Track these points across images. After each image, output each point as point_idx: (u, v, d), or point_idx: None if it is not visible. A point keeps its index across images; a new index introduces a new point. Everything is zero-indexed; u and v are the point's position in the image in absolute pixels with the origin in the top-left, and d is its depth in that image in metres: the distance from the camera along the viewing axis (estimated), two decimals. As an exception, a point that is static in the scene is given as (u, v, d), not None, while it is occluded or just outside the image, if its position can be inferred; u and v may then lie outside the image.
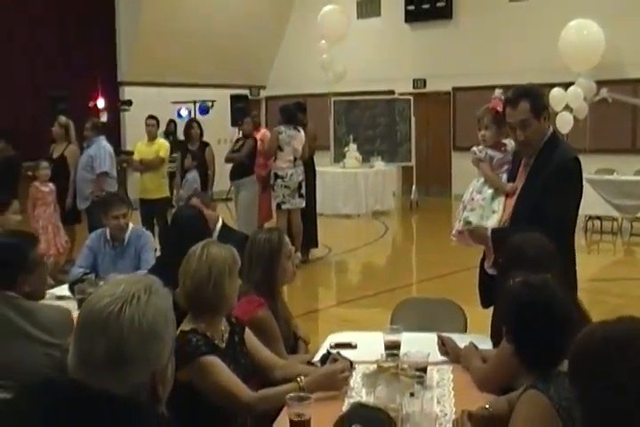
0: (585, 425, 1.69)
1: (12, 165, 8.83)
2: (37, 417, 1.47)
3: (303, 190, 9.02)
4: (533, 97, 3.56)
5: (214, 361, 2.62)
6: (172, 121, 13.99)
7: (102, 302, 1.50)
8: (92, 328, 1.48)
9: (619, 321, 1.70)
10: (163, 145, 9.15)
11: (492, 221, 3.66)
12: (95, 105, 13.60)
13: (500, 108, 3.73)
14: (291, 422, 2.44)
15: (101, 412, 1.45)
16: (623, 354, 1.63)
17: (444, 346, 3.21)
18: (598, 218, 11.27)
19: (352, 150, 13.89)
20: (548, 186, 3.48)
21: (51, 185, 8.06)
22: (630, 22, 12.54)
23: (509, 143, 3.85)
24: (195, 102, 14.68)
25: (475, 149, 3.87)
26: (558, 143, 3.69)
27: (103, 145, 8.21)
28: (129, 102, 14.26)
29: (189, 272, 2.73)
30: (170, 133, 13.42)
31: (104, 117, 13.10)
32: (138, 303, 1.50)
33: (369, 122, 14.69)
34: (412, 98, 14.69)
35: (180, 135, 10.98)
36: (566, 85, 12.21)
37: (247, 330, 2.97)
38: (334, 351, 3.16)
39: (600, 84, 12.79)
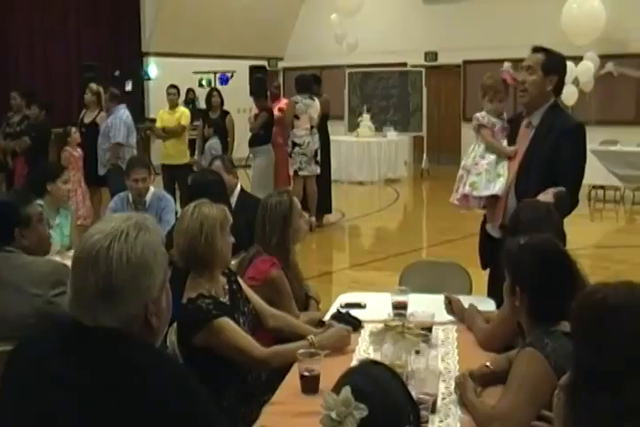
0: (570, 381, 1.66)
1: (46, 130, 8.88)
2: (40, 355, 1.50)
3: (319, 158, 9.02)
4: (552, 59, 3.59)
5: (226, 323, 2.62)
6: (190, 90, 13.91)
7: (93, 238, 1.51)
8: (83, 264, 1.50)
9: (622, 286, 1.66)
10: (184, 113, 9.14)
11: (499, 185, 3.63)
12: (120, 74, 13.53)
13: (509, 81, 3.72)
14: (301, 376, 2.44)
15: (97, 346, 1.47)
16: (614, 317, 1.60)
17: (451, 305, 3.20)
18: (602, 187, 11.16)
19: (366, 120, 13.82)
20: (559, 144, 3.47)
21: (79, 150, 8.07)
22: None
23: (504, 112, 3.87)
24: (215, 73, 14.58)
25: (478, 115, 3.80)
26: (562, 110, 3.73)
27: (120, 115, 8.15)
28: (153, 72, 14.18)
29: (182, 230, 2.72)
30: (189, 102, 13.36)
31: (128, 86, 13.02)
32: (127, 239, 1.50)
33: (382, 93, 14.59)
34: (423, 70, 14.55)
35: (199, 104, 10.95)
36: (573, 59, 12.00)
37: (239, 278, 2.98)
38: (344, 311, 3.15)
39: (605, 58, 12.59)
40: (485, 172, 3.67)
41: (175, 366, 1.58)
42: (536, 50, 3.62)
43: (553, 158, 3.45)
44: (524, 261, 2.35)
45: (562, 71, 3.67)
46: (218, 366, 2.58)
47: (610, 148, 11.17)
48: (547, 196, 3.23)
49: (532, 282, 2.31)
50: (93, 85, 8.71)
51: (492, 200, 3.68)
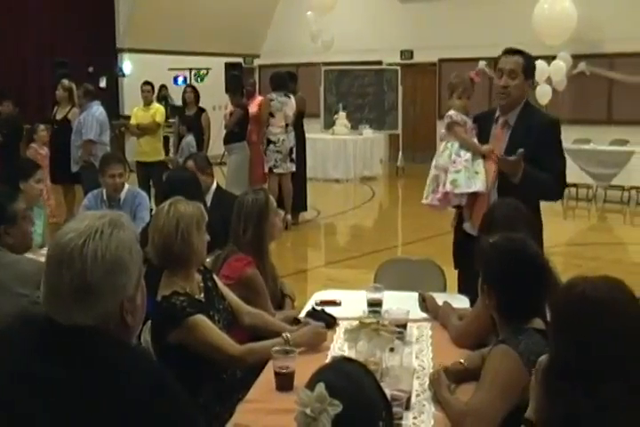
0: (546, 374, 1.69)
1: (18, 127, 8.78)
2: (14, 353, 1.48)
3: (294, 155, 9.02)
4: (529, 61, 3.65)
5: (201, 321, 2.61)
6: (163, 86, 13.83)
7: (67, 237, 1.50)
8: (57, 262, 1.49)
9: (602, 281, 1.69)
10: (159, 110, 9.10)
11: (479, 182, 3.64)
12: (94, 70, 13.41)
13: (476, 79, 3.77)
14: (276, 373, 2.44)
15: (71, 344, 1.46)
16: (592, 311, 1.63)
17: (425, 303, 3.21)
18: (574, 185, 11.26)
19: (341, 118, 13.86)
20: (542, 141, 3.51)
21: (45, 148, 7.98)
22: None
23: None
24: (190, 70, 14.51)
25: (451, 113, 3.81)
26: (535, 108, 3.82)
27: (93, 111, 8.06)
28: (127, 69, 14.07)
29: (158, 227, 2.70)
30: (162, 98, 13.27)
31: (102, 83, 12.91)
32: (101, 237, 1.49)
33: (358, 91, 14.62)
34: (399, 68, 14.60)
35: (173, 100, 10.89)
36: (545, 58, 12.14)
37: (214, 275, 2.97)
38: (319, 308, 3.16)
39: (578, 57, 12.73)
40: (465, 169, 3.67)
41: (151, 365, 1.57)
42: (512, 52, 3.65)
43: (537, 155, 3.48)
44: (493, 261, 2.38)
45: (534, 73, 3.74)
46: (192, 364, 2.57)
47: (582, 146, 11.30)
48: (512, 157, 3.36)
49: (501, 282, 2.33)
50: (65, 82, 8.63)
51: (471, 199, 3.70)
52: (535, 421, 1.74)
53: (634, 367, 1.59)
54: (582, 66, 12.81)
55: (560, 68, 12.21)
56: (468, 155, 3.70)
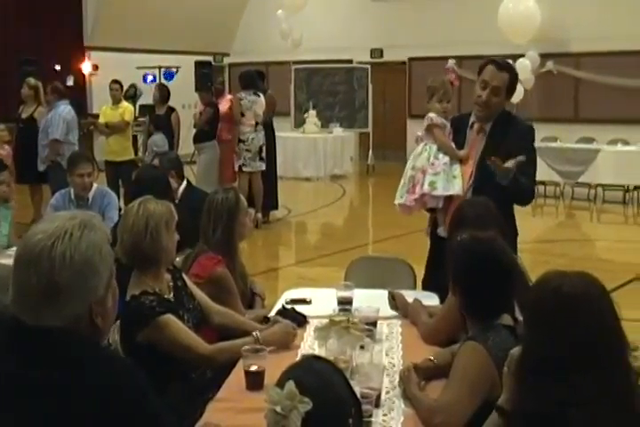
0: (519, 364, 1.71)
1: None
2: None
3: (264, 154, 9.00)
4: (515, 75, 3.66)
5: (170, 320, 2.60)
6: (132, 85, 13.72)
7: (36, 238, 1.49)
8: (25, 263, 1.48)
9: (577, 276, 1.71)
10: (127, 109, 9.03)
11: (456, 186, 3.66)
12: (61, 69, 13.26)
13: (455, 83, 3.77)
14: (246, 372, 2.44)
15: (40, 345, 1.45)
16: (567, 305, 1.65)
17: (395, 301, 3.23)
18: (542, 183, 11.38)
19: (312, 116, 13.86)
20: (516, 148, 3.51)
21: (7, 148, 7.87)
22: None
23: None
24: (160, 68, 14.42)
25: (432, 115, 3.81)
26: (512, 114, 3.82)
27: (60, 111, 7.96)
28: (95, 67, 13.92)
29: (127, 226, 2.68)
30: (130, 97, 13.15)
31: (70, 81, 12.76)
32: (70, 239, 1.48)
33: (328, 89, 14.64)
34: (369, 67, 14.64)
35: (142, 99, 10.81)
36: (513, 57, 12.25)
37: (183, 274, 2.96)
38: (289, 307, 3.16)
39: (545, 56, 12.87)
40: (443, 172, 3.68)
41: (121, 364, 1.56)
42: (501, 67, 3.61)
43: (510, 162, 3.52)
44: (459, 261, 2.40)
45: (516, 85, 3.76)
46: (162, 364, 2.55)
47: (550, 144, 11.43)
48: (510, 163, 3.35)
49: (467, 281, 2.36)
50: (31, 79, 8.51)
51: (447, 203, 3.70)
52: (508, 410, 1.76)
53: (605, 359, 1.62)
54: (550, 65, 12.97)
55: (526, 66, 12.34)
56: (447, 158, 3.71)
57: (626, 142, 11.31)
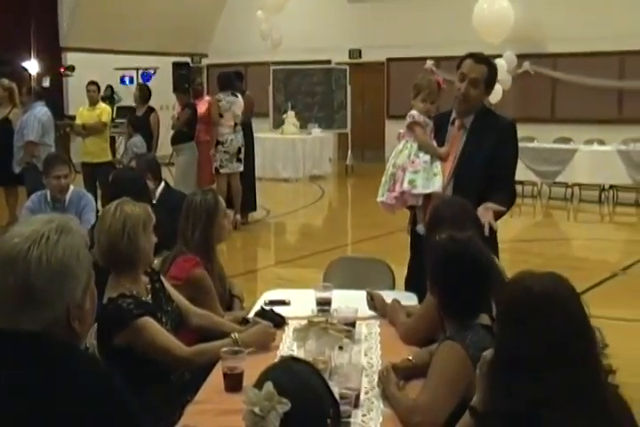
0: (491, 366, 1.72)
1: None
2: None
3: (241, 155, 8.97)
4: (493, 68, 3.67)
5: (148, 322, 2.59)
6: (109, 86, 13.64)
7: (12, 242, 1.48)
8: (2, 265, 1.47)
9: (547, 276, 1.73)
10: (105, 110, 8.96)
11: (437, 183, 3.66)
12: (37, 70, 13.14)
13: (442, 85, 3.78)
14: (224, 374, 2.43)
15: (15, 348, 1.45)
16: (538, 305, 1.67)
17: (373, 301, 3.24)
18: (520, 183, 11.45)
19: (290, 117, 13.84)
20: (499, 144, 3.55)
21: None
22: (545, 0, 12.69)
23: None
24: (137, 69, 14.34)
25: (414, 113, 3.81)
26: (491, 110, 3.82)
27: (36, 112, 7.86)
28: (72, 68, 13.81)
29: (104, 228, 2.67)
30: (107, 98, 13.07)
31: (46, 82, 12.66)
32: (47, 243, 1.48)
33: (307, 90, 14.64)
34: (347, 67, 14.67)
35: (120, 100, 10.74)
36: (491, 58, 12.34)
37: (161, 277, 2.95)
38: (268, 308, 3.16)
39: (523, 57, 12.98)
40: (423, 170, 3.68)
41: (98, 366, 1.56)
42: (479, 59, 3.63)
43: (493, 157, 3.53)
44: (436, 261, 2.41)
45: (496, 80, 3.77)
46: (140, 367, 2.54)
47: (527, 144, 11.50)
48: (487, 213, 3.23)
49: (444, 281, 2.37)
50: (5, 81, 8.42)
51: (426, 200, 3.70)
52: (481, 410, 1.78)
53: (576, 358, 1.64)
54: (526, 65, 13.07)
55: (503, 66, 12.43)
56: (427, 156, 3.72)
57: (602, 142, 11.43)
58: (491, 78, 3.63)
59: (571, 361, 1.63)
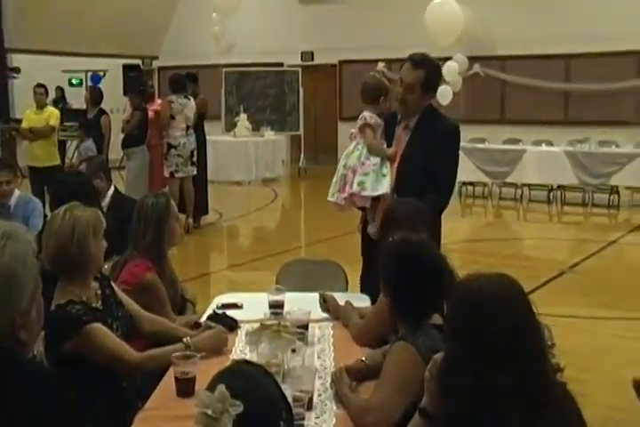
0: (441, 368, 1.74)
1: None
2: None
3: (195, 158, 8.93)
4: (432, 71, 3.66)
5: (98, 328, 2.56)
6: (59, 88, 13.41)
7: None
8: None
9: (495, 277, 1.75)
10: (53, 113, 8.79)
11: (386, 184, 3.69)
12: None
13: (389, 86, 3.81)
14: (176, 379, 2.41)
15: None
16: (485, 306, 1.69)
17: (326, 303, 3.25)
18: (471, 184, 11.64)
19: (243, 120, 13.79)
20: (438, 147, 3.57)
21: None
22: (496, 4, 12.86)
23: None
24: (86, 72, 14.14)
25: (366, 114, 3.83)
26: (438, 111, 3.82)
27: None
28: (17, 70, 13.54)
29: (53, 232, 2.62)
30: (57, 101, 12.87)
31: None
32: None
33: (259, 93, 14.62)
34: (300, 70, 14.69)
35: (68, 104, 10.56)
36: (441, 60, 12.48)
37: (112, 282, 2.92)
38: (220, 312, 3.14)
39: (473, 59, 13.16)
40: (372, 172, 3.71)
41: (41, 369, 1.53)
42: (416, 64, 3.64)
43: (433, 160, 3.56)
44: (388, 263, 2.43)
45: (439, 82, 3.79)
46: (90, 374, 2.51)
47: (477, 145, 11.70)
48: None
49: (396, 283, 2.39)
50: None
51: (375, 201, 3.74)
52: (429, 411, 1.80)
53: (524, 358, 1.66)
54: (477, 67, 13.27)
55: (453, 68, 12.63)
56: (377, 159, 3.75)
57: (550, 143, 11.65)
58: (429, 81, 3.63)
59: (519, 361, 1.65)
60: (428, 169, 3.56)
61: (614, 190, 10.73)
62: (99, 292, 2.77)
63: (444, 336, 1.83)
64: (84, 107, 9.38)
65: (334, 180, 3.89)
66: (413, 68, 3.62)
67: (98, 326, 2.55)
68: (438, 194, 3.55)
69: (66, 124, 10.31)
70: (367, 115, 3.82)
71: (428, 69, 3.64)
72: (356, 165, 3.77)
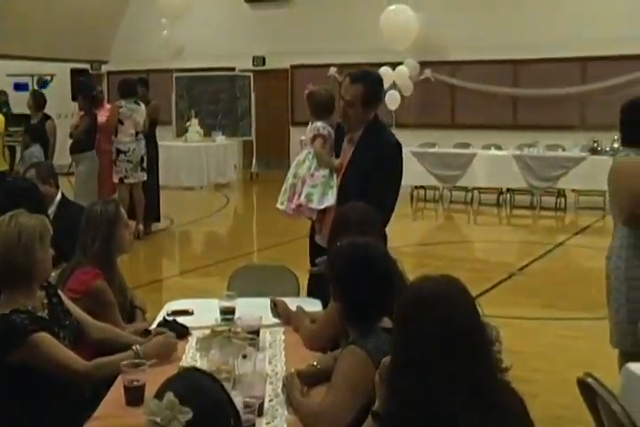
0: (388, 370, 1.76)
1: None
2: None
3: (145, 164, 8.83)
4: (371, 85, 3.66)
5: (44, 338, 2.51)
6: (2, 92, 13.15)
7: None
8: None
9: (440, 279, 1.78)
10: (-2, 118, 8.61)
11: (331, 197, 3.72)
12: None
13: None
14: (125, 388, 2.39)
15: None
16: (427, 307, 1.71)
17: (277, 308, 3.25)
18: (422, 187, 11.76)
19: (194, 125, 13.70)
20: (378, 163, 3.58)
21: None
22: (448, 11, 13.04)
23: None
24: (33, 76, 13.90)
25: (319, 125, 3.86)
26: (382, 128, 3.80)
27: None
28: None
29: None
30: (1, 106, 12.61)
31: None
32: None
33: (210, 97, 14.55)
34: (251, 74, 14.67)
35: (15, 109, 10.36)
36: (394, 65, 12.64)
37: (59, 291, 2.88)
38: (171, 318, 3.12)
39: (424, 64, 13.31)
40: (321, 184, 3.74)
41: None
42: (355, 79, 3.63)
43: (370, 174, 3.58)
44: (336, 267, 2.45)
45: (380, 95, 3.79)
46: (37, 384, 2.47)
47: (428, 150, 11.84)
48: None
49: (344, 286, 2.41)
50: None
51: (321, 213, 3.77)
52: (382, 414, 1.82)
53: (470, 357, 1.69)
54: (427, 72, 13.42)
55: (404, 73, 12.78)
56: (327, 171, 3.78)
57: (498, 147, 11.84)
58: (368, 96, 3.62)
59: (464, 361, 1.67)
60: (365, 186, 3.58)
61: (561, 193, 10.95)
62: (45, 301, 2.72)
63: (391, 338, 1.85)
64: (28, 112, 9.18)
65: (283, 188, 3.91)
66: (352, 84, 3.63)
67: (44, 335, 2.51)
68: (377, 210, 3.56)
69: (10, 129, 10.09)
70: (320, 125, 3.86)
71: (367, 84, 3.63)
72: (306, 175, 3.80)
